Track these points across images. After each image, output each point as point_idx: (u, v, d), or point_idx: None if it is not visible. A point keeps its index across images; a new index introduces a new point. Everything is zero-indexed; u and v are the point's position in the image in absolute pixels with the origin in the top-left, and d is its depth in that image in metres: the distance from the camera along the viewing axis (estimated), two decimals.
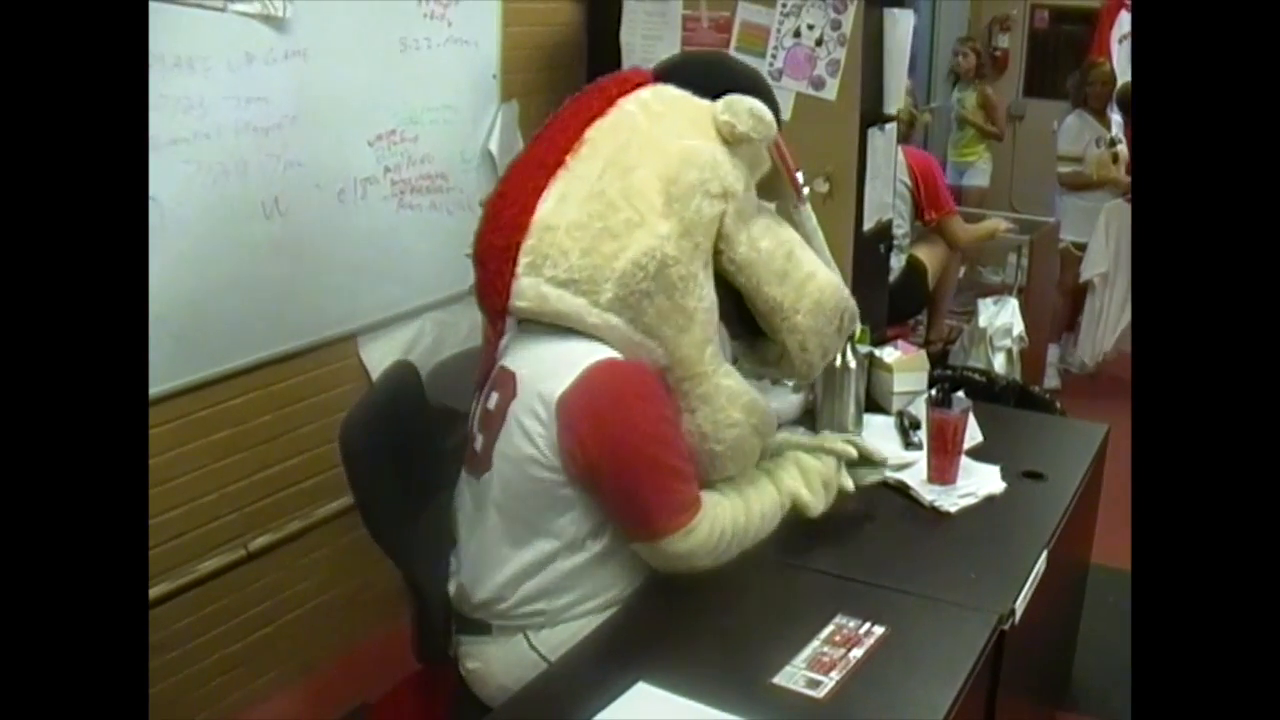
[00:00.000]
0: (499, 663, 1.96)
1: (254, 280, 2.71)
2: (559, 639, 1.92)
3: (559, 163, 1.93)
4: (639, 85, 2.04)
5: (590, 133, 1.95)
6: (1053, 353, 5.62)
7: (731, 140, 1.92)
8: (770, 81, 3.09)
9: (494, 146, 3.27)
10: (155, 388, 2.54)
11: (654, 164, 1.89)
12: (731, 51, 3.15)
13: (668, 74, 2.08)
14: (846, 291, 2.10)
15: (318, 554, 3.06)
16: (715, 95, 1.98)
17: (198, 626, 2.79)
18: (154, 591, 2.64)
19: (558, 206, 1.89)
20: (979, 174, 6.92)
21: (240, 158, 2.61)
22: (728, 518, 1.92)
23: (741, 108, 1.93)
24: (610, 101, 1.99)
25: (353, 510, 3.00)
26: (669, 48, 3.24)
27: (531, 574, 1.91)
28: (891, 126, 3.20)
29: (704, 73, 2.07)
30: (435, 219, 3.14)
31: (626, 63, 3.31)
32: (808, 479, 2.07)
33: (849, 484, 2.13)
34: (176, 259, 2.51)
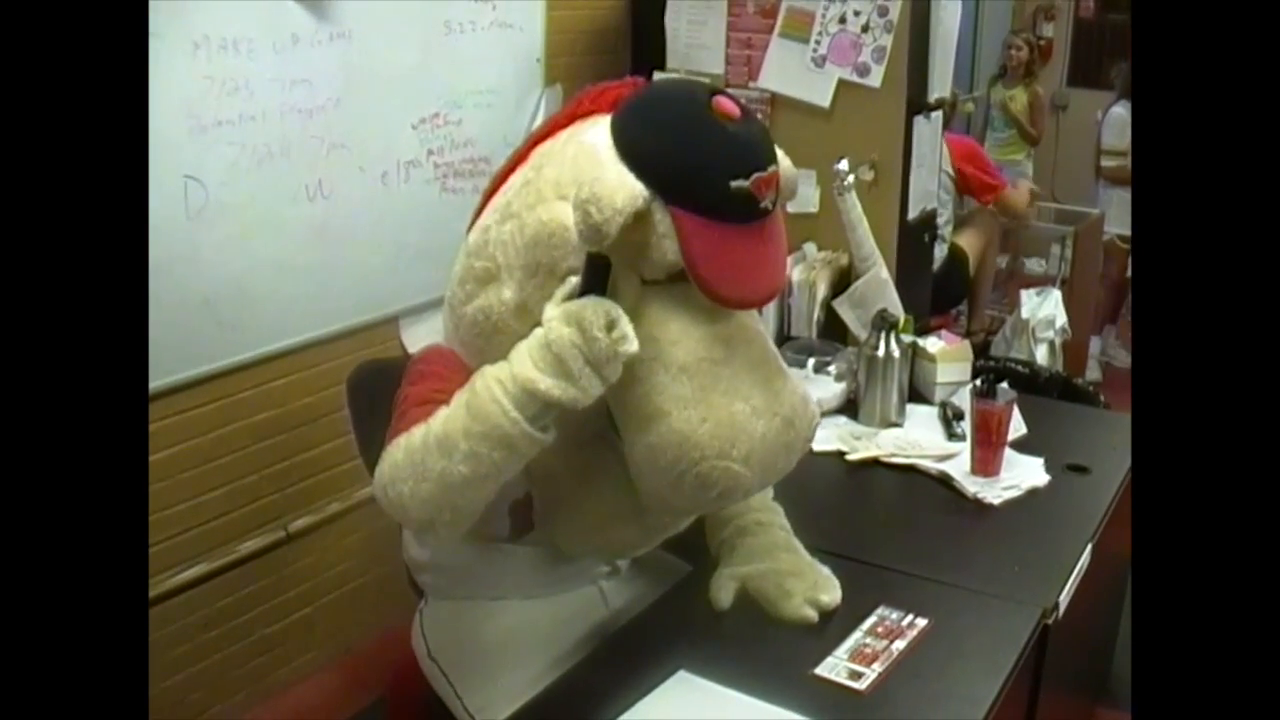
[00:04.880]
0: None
1: (297, 263, 2.72)
2: (437, 616, 2.00)
3: (508, 174, 1.70)
4: (610, 106, 1.61)
5: (534, 154, 1.66)
6: (1095, 345, 5.58)
7: (587, 236, 1.45)
8: (812, 69, 3.08)
9: None
10: (199, 369, 2.57)
11: (526, 220, 1.58)
12: (775, 38, 3.13)
13: (624, 115, 1.56)
14: (708, 450, 1.49)
15: (357, 536, 3.07)
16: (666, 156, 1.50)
17: (238, 606, 2.81)
18: (196, 571, 2.67)
19: (481, 222, 1.70)
20: (1023, 175, 6.75)
21: (284, 140, 2.62)
22: (413, 434, 1.58)
23: (586, 197, 1.43)
24: (570, 119, 1.65)
25: None
26: (714, 33, 3.23)
27: (417, 543, 1.99)
28: (938, 114, 3.18)
29: (676, 139, 1.51)
30: (477, 203, 3.13)
31: (671, 48, 3.31)
32: (537, 353, 1.47)
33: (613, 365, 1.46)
34: (221, 241, 2.52)
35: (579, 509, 1.75)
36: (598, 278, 1.48)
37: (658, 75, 3.32)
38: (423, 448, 1.53)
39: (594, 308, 1.44)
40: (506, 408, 1.45)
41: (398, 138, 2.91)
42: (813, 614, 1.82)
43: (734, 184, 1.46)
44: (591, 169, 1.49)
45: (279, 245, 2.67)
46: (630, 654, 1.80)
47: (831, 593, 1.85)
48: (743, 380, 1.54)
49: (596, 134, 1.54)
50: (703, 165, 1.47)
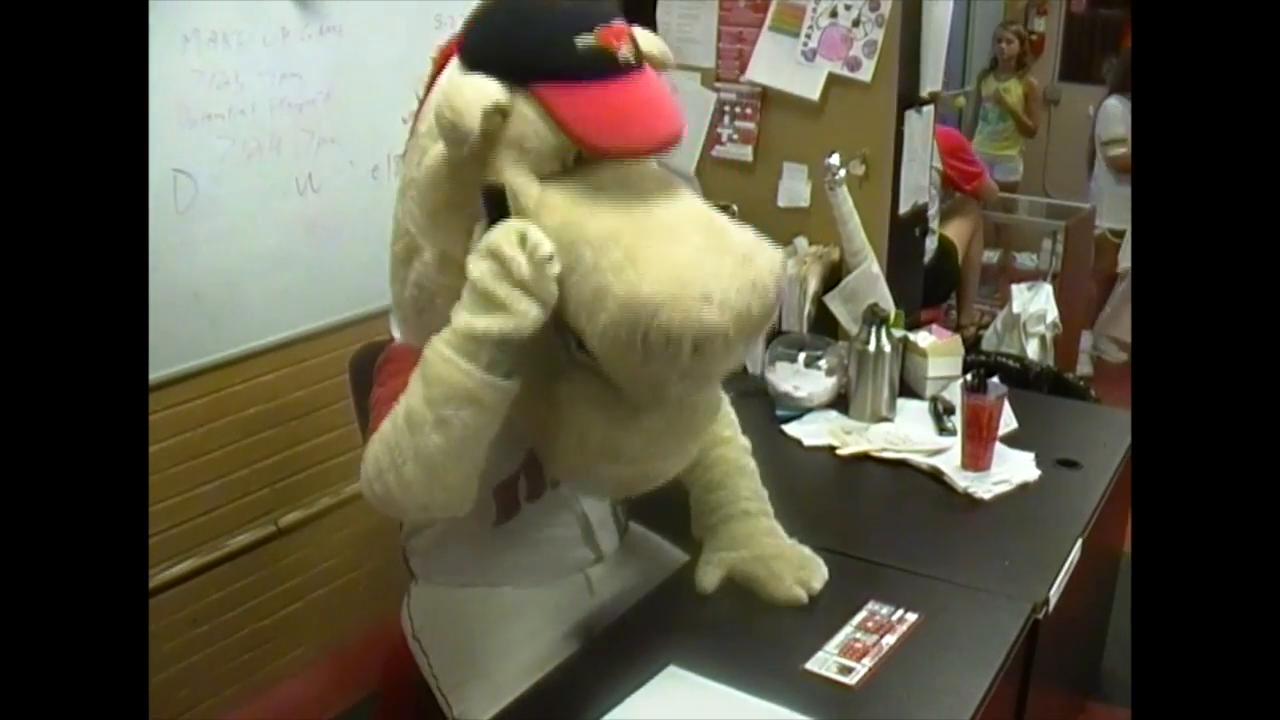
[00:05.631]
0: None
1: (287, 256, 2.72)
2: (423, 597, 2.03)
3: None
4: (449, 56, 1.58)
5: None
6: (1086, 340, 5.58)
7: (456, 145, 1.45)
8: (802, 63, 3.08)
9: None
10: (189, 363, 2.56)
11: (418, 176, 1.57)
12: (765, 32, 3.12)
13: (465, 34, 1.56)
14: (660, 298, 1.35)
15: (347, 531, 3.07)
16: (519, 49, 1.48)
17: (228, 601, 2.81)
18: (185, 566, 2.67)
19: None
20: (1014, 170, 6.74)
21: (274, 134, 2.61)
22: (383, 426, 1.56)
23: (440, 104, 1.44)
24: (440, 66, 1.60)
25: None
26: (705, 27, 3.21)
27: (417, 528, 2.00)
28: (929, 109, 3.17)
29: (512, 23, 1.50)
30: None
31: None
32: (467, 299, 1.45)
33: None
34: (211, 235, 2.52)
35: (583, 445, 1.60)
36: (499, 207, 1.46)
37: None
38: (394, 432, 1.50)
39: (501, 231, 1.42)
40: (457, 362, 1.43)
41: (388, 131, 2.90)
42: (802, 594, 1.83)
43: (579, 41, 1.43)
44: (444, 90, 1.47)
45: (269, 239, 2.66)
46: (620, 648, 1.80)
47: (818, 575, 1.87)
48: (675, 227, 1.44)
49: (449, 69, 1.53)
50: (544, 34, 1.45)
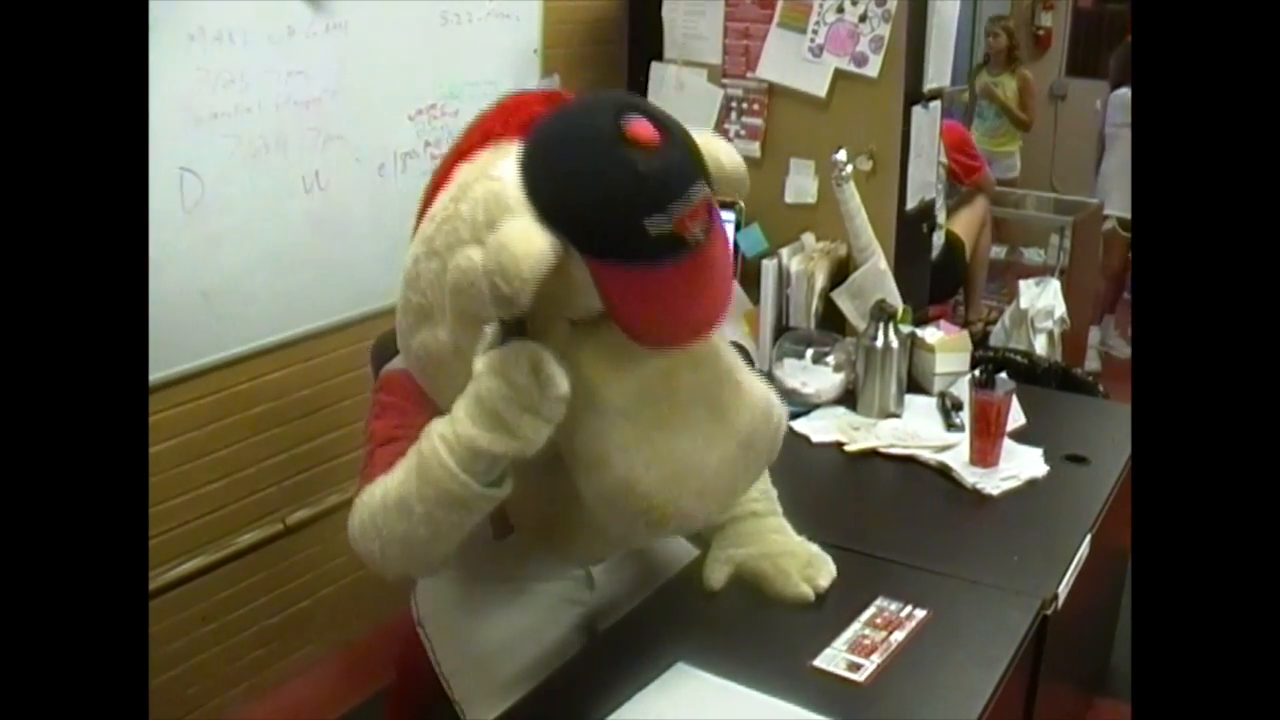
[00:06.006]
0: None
1: (294, 254, 2.71)
2: (429, 584, 2.04)
3: (436, 188, 1.59)
4: (520, 130, 1.45)
5: (455, 174, 1.53)
6: (1094, 335, 5.58)
7: (501, 304, 1.32)
8: (809, 59, 3.07)
9: None
10: (196, 361, 2.56)
11: (447, 261, 1.47)
12: (773, 28, 3.12)
13: (530, 153, 1.40)
14: (655, 496, 1.42)
15: None
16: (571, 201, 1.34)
17: (237, 599, 2.81)
18: (194, 564, 2.67)
19: (413, 249, 1.61)
20: (1012, 167, 6.67)
21: (280, 132, 2.61)
22: (375, 491, 1.58)
23: (493, 269, 1.30)
24: (485, 137, 1.52)
25: None
26: (712, 24, 3.21)
27: None
28: (935, 104, 3.16)
29: (583, 185, 1.34)
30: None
31: (668, 38, 3.29)
32: (473, 409, 1.40)
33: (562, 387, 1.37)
34: (217, 234, 2.52)
35: (549, 529, 1.74)
36: (516, 321, 1.38)
37: (654, 65, 3.32)
38: (383, 510, 1.50)
39: (515, 355, 1.36)
40: (454, 470, 1.41)
41: (395, 129, 2.90)
42: (809, 591, 1.83)
43: (651, 226, 1.30)
44: (500, 216, 1.36)
45: (276, 237, 2.66)
46: (629, 645, 1.80)
47: (826, 572, 1.86)
48: (690, 412, 1.44)
49: (505, 170, 1.40)
50: (612, 211, 1.31)
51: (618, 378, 1.42)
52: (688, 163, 1.36)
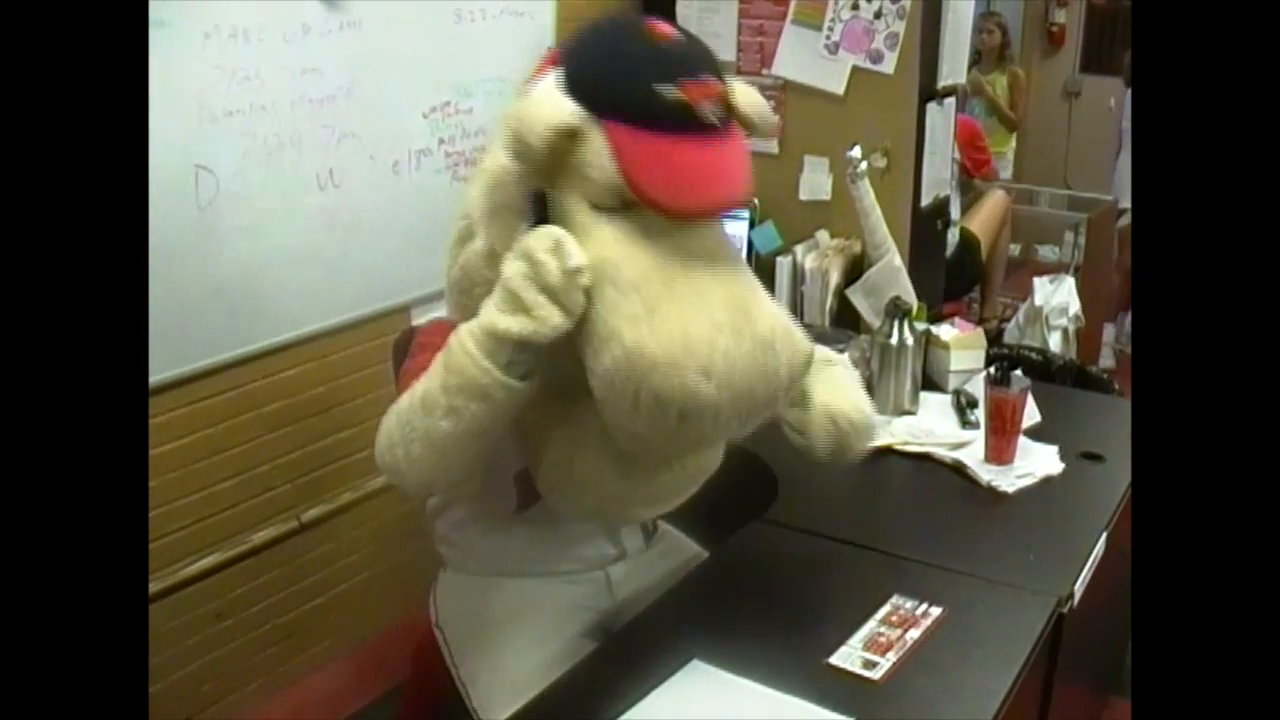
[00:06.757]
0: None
1: (308, 252, 2.72)
2: (448, 586, 2.06)
3: None
4: (550, 64, 1.55)
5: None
6: (1109, 332, 5.56)
7: (521, 155, 1.45)
8: (825, 56, 3.07)
9: None
10: (210, 359, 2.57)
11: (484, 168, 1.61)
12: (788, 25, 3.12)
13: (563, 51, 1.56)
14: (659, 360, 1.41)
15: (369, 526, 3.07)
16: (611, 82, 1.48)
17: (251, 596, 2.82)
18: (207, 561, 2.67)
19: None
20: (1004, 168, 6.50)
21: (295, 130, 2.62)
22: (401, 401, 1.61)
23: (513, 116, 1.45)
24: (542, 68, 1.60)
25: None
26: (726, 20, 3.22)
27: (439, 511, 2.01)
28: (950, 101, 3.16)
29: (603, 55, 1.51)
30: None
31: None
32: (497, 296, 1.48)
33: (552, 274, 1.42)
34: (232, 231, 2.52)
35: (568, 466, 1.68)
36: (544, 214, 1.48)
37: None
38: (409, 409, 1.54)
39: (537, 235, 1.43)
40: (476, 357, 1.45)
41: (409, 126, 2.91)
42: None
43: (661, 89, 1.42)
44: (527, 99, 1.48)
45: (290, 235, 2.67)
46: (643, 643, 1.79)
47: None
48: (705, 296, 1.45)
49: (544, 79, 1.50)
50: (628, 74, 1.44)
51: (633, 254, 1.45)
52: (702, 55, 1.49)
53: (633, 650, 1.78)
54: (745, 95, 1.53)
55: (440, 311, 2.76)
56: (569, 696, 1.70)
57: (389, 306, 2.96)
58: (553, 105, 1.42)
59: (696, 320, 1.42)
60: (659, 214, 1.45)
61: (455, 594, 2.05)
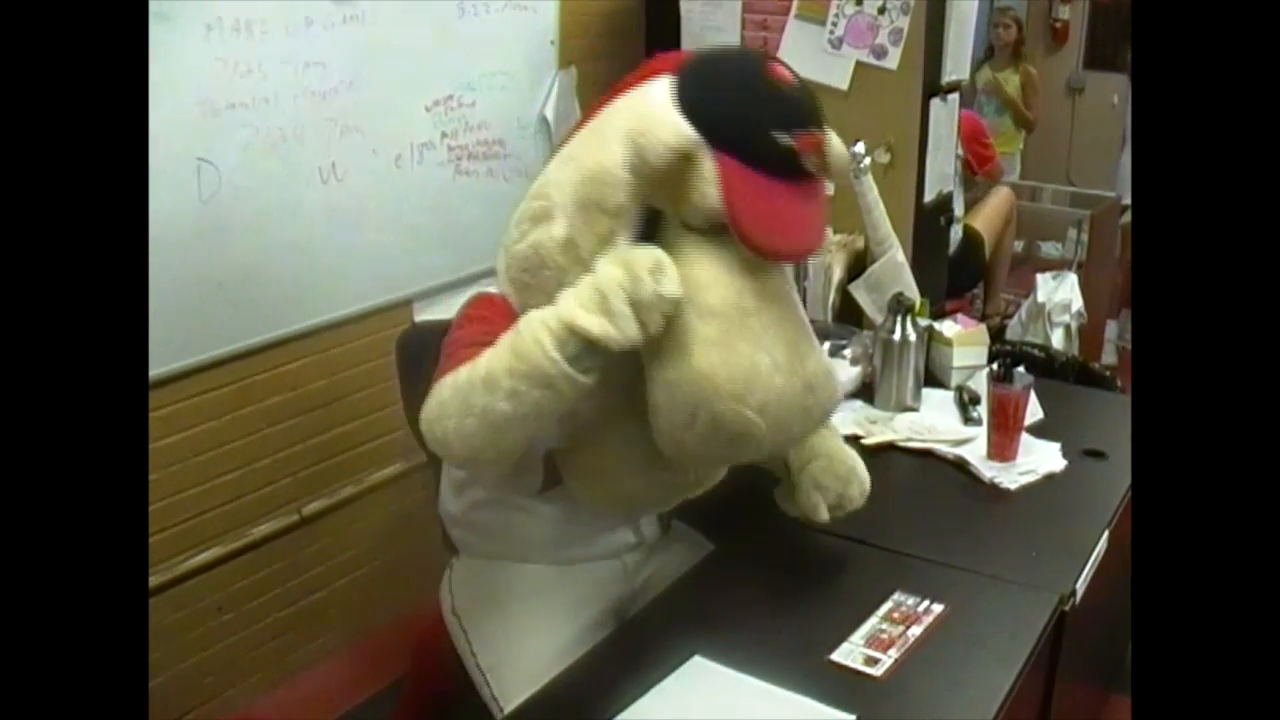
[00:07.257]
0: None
1: (310, 245, 2.71)
2: (464, 573, 2.06)
3: (574, 133, 1.73)
4: (661, 71, 1.64)
5: (602, 110, 1.68)
6: (1111, 329, 5.54)
7: (636, 168, 1.54)
8: (829, 51, 3.06)
9: (550, 113, 3.25)
10: (212, 352, 2.57)
11: (583, 161, 1.62)
12: (791, 20, 3.11)
13: (684, 70, 1.62)
14: (724, 390, 1.52)
15: (371, 520, 3.07)
16: (729, 107, 1.57)
17: (252, 590, 2.82)
18: (209, 554, 2.67)
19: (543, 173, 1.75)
20: (1011, 169, 6.30)
21: (297, 123, 2.61)
22: (461, 372, 1.62)
23: (637, 128, 1.54)
24: (639, 79, 1.67)
25: (405, 477, 3.03)
26: (729, 15, 3.21)
27: (460, 489, 2.00)
28: (954, 97, 3.15)
29: (728, 88, 1.60)
30: (491, 185, 3.13)
31: (686, 29, 3.29)
32: (583, 293, 1.53)
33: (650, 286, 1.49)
34: (234, 224, 2.52)
35: (594, 453, 1.76)
36: (650, 233, 1.58)
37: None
38: (468, 385, 1.56)
39: (643, 252, 1.51)
40: (548, 348, 1.49)
41: (411, 120, 2.90)
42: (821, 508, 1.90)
43: (779, 137, 1.53)
44: (645, 115, 1.56)
45: (292, 228, 2.66)
46: (645, 638, 1.79)
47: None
48: (769, 335, 1.57)
49: (658, 87, 1.59)
50: (751, 116, 1.55)
51: (716, 283, 1.55)
52: (815, 105, 1.62)
53: (634, 647, 1.78)
54: (836, 147, 1.63)
55: (441, 308, 2.78)
56: (571, 693, 1.70)
57: (391, 300, 2.96)
58: (675, 127, 1.52)
59: (761, 358, 1.55)
60: (748, 249, 1.54)
61: (473, 581, 2.05)
